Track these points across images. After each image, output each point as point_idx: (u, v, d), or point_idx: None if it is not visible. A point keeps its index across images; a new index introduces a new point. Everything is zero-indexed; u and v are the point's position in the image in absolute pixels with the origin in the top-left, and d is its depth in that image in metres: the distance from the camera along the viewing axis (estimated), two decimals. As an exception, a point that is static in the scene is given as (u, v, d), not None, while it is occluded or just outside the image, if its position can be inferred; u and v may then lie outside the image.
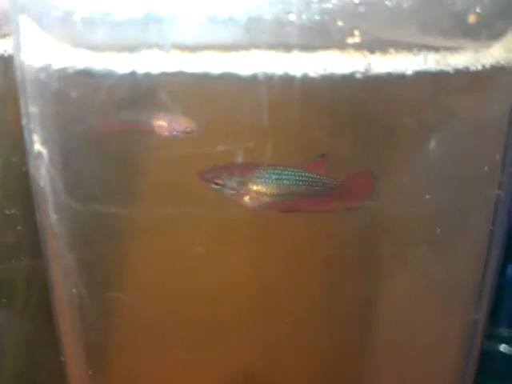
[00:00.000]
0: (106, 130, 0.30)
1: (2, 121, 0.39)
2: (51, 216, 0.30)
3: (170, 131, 0.29)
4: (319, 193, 0.30)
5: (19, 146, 0.39)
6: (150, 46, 0.28)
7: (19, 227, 0.40)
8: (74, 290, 0.31)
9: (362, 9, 0.28)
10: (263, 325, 0.34)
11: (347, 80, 0.29)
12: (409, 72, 0.29)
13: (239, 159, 0.29)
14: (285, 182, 0.30)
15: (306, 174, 0.30)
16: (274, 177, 0.30)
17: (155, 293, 0.32)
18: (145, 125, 0.29)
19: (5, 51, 0.37)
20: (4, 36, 0.37)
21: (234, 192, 0.30)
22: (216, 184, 0.30)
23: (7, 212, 0.39)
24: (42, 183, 0.30)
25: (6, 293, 0.41)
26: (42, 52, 0.28)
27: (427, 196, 0.31)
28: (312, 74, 0.29)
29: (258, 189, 0.30)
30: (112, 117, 0.29)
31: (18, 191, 0.40)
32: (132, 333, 0.32)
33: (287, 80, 0.28)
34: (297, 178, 0.30)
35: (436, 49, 0.29)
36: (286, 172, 0.30)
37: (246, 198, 0.30)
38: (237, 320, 0.33)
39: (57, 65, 0.28)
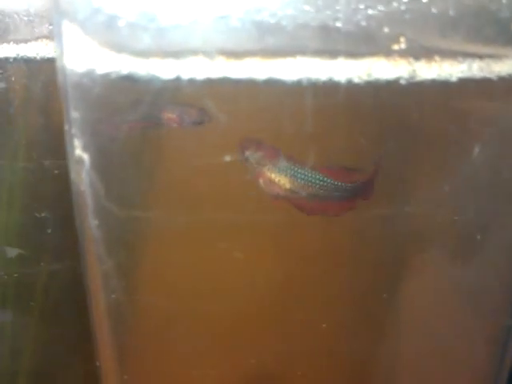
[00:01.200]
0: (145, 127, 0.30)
1: (34, 126, 0.39)
2: (91, 221, 0.30)
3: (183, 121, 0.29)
4: (334, 197, 0.30)
5: (51, 150, 0.39)
6: (195, 52, 0.28)
7: (49, 230, 0.39)
8: (113, 296, 0.31)
9: (407, 16, 0.28)
10: (290, 331, 0.34)
11: (392, 86, 0.29)
12: (453, 79, 0.29)
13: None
14: (299, 180, 0.30)
15: (321, 177, 0.30)
16: (289, 172, 0.30)
17: (192, 299, 0.32)
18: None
19: (37, 54, 0.37)
20: (36, 38, 0.37)
21: (252, 169, 0.30)
22: (243, 153, 0.30)
23: (38, 215, 0.39)
24: (82, 188, 0.30)
25: (36, 296, 0.41)
26: (85, 57, 0.28)
27: (464, 203, 0.31)
28: (356, 79, 0.29)
29: (272, 176, 0.30)
30: (152, 120, 0.29)
31: (49, 195, 0.39)
32: (169, 339, 0.32)
33: (332, 86, 0.28)
34: (311, 179, 0.30)
35: (480, 56, 0.29)
36: (302, 171, 0.30)
37: (261, 181, 0.30)
38: (271, 330, 0.33)
39: (100, 70, 0.28)
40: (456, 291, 0.35)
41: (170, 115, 0.29)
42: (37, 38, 0.37)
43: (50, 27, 0.36)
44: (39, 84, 0.38)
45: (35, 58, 0.37)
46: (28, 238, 0.40)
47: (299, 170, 0.30)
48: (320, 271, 0.32)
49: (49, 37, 0.37)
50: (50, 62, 0.37)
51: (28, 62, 0.37)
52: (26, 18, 0.37)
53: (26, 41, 0.37)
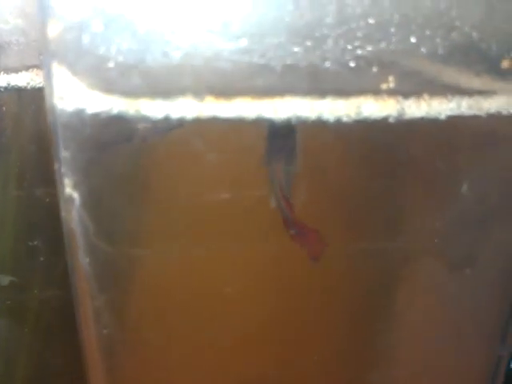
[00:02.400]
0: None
1: (25, 154, 0.39)
2: (82, 258, 0.30)
3: None
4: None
5: (43, 179, 0.39)
6: (183, 93, 0.28)
7: (42, 259, 0.40)
8: (105, 331, 0.31)
9: (396, 55, 0.28)
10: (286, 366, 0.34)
11: (380, 124, 0.29)
12: (442, 117, 0.29)
13: (273, 203, 0.29)
14: None
15: None
16: None
17: (187, 336, 0.32)
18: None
19: (28, 84, 0.37)
20: (27, 68, 0.37)
21: None
22: None
23: (30, 243, 0.39)
24: (72, 226, 0.30)
25: (29, 323, 0.41)
26: (74, 97, 0.28)
27: (454, 240, 0.31)
28: (345, 118, 0.29)
29: None
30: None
31: (41, 223, 0.40)
32: (162, 375, 0.32)
33: (321, 125, 0.28)
34: None
35: (469, 93, 0.29)
36: None
37: None
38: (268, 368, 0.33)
39: (90, 110, 0.28)
40: (446, 319, 0.35)
41: None
42: (28, 68, 0.37)
43: (41, 57, 0.36)
44: (30, 113, 0.38)
45: (26, 87, 0.37)
46: (20, 266, 0.41)
47: None
48: (318, 304, 0.33)
49: (39, 66, 0.37)
50: (40, 92, 0.37)
51: (19, 91, 0.37)
52: (16, 48, 0.37)
53: (16, 70, 0.37)
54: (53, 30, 0.28)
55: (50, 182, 0.34)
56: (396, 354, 0.36)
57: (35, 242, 0.39)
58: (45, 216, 0.39)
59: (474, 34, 0.29)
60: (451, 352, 0.35)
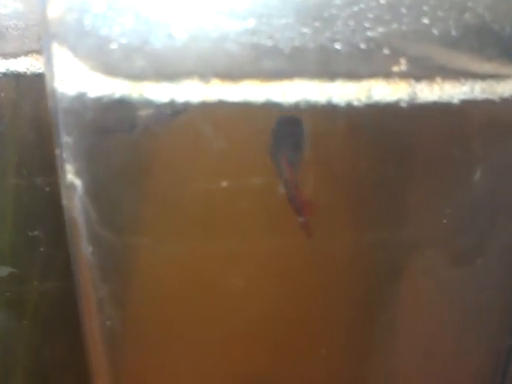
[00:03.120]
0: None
1: (24, 142, 0.38)
2: (85, 248, 0.29)
3: None
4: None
5: (43, 167, 0.38)
6: (189, 76, 0.27)
7: (42, 249, 0.39)
8: (108, 323, 0.30)
9: (408, 36, 0.27)
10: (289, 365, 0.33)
11: (391, 108, 0.28)
12: (455, 101, 0.28)
13: (281, 191, 0.29)
14: None
15: None
16: None
17: (191, 327, 0.31)
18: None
19: (27, 69, 0.36)
20: (27, 53, 0.36)
21: None
22: None
23: (30, 234, 0.38)
24: (75, 214, 0.29)
25: (28, 314, 0.40)
26: (76, 81, 0.27)
27: (466, 227, 0.31)
28: (356, 102, 0.28)
29: None
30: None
31: (41, 212, 0.39)
32: (165, 367, 0.32)
33: (330, 109, 0.28)
34: None
35: (482, 77, 0.28)
36: None
37: None
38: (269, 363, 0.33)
39: (92, 94, 0.27)
40: (455, 311, 0.34)
41: None
42: (27, 53, 0.36)
43: (41, 41, 0.35)
44: (30, 99, 0.37)
45: (25, 73, 0.36)
46: (20, 257, 0.40)
47: None
48: (319, 298, 0.32)
49: (40, 51, 0.36)
50: (40, 78, 0.36)
51: (18, 77, 0.36)
52: (15, 33, 0.36)
53: (15, 55, 0.36)
54: (53, 11, 0.27)
55: (50, 170, 0.33)
56: (407, 347, 0.35)
57: (35, 232, 0.39)
58: (45, 205, 0.38)
59: (488, 16, 0.28)
60: (463, 343, 0.35)
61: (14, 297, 0.40)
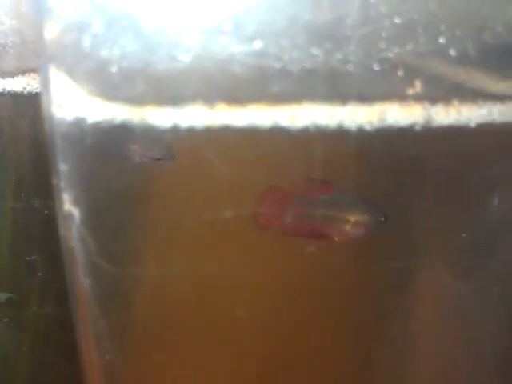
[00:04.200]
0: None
1: (22, 163, 0.37)
2: (83, 279, 0.28)
3: None
4: None
5: (41, 190, 0.37)
6: (193, 100, 0.26)
7: (40, 274, 0.37)
8: (107, 356, 0.29)
9: (423, 57, 0.26)
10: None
11: (405, 133, 0.26)
12: (472, 124, 0.27)
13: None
14: None
15: None
16: None
17: (192, 359, 0.29)
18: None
19: (24, 89, 0.35)
20: (24, 72, 0.35)
21: None
22: None
23: (28, 258, 0.37)
24: (72, 244, 0.28)
25: (26, 341, 0.39)
26: (74, 105, 0.26)
27: (485, 255, 0.29)
28: (368, 126, 0.26)
29: None
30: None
31: (39, 236, 0.37)
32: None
33: (341, 134, 0.26)
34: None
35: (501, 99, 0.27)
36: None
37: None
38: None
39: (91, 119, 0.26)
40: (463, 342, 0.33)
41: (133, 146, 0.27)
42: (24, 72, 0.35)
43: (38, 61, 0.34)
44: (27, 120, 0.35)
45: (22, 92, 0.35)
46: (18, 282, 0.38)
47: None
48: (323, 326, 0.30)
49: (37, 70, 0.34)
50: (37, 97, 0.35)
51: (15, 96, 0.35)
52: (12, 51, 0.35)
53: (12, 74, 0.35)
54: (50, 32, 0.26)
55: (49, 193, 0.32)
56: (416, 370, 0.33)
57: (33, 257, 0.37)
58: (43, 229, 0.36)
59: (507, 35, 0.27)
60: (472, 368, 0.33)
61: (13, 322, 0.38)
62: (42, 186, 0.36)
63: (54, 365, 0.39)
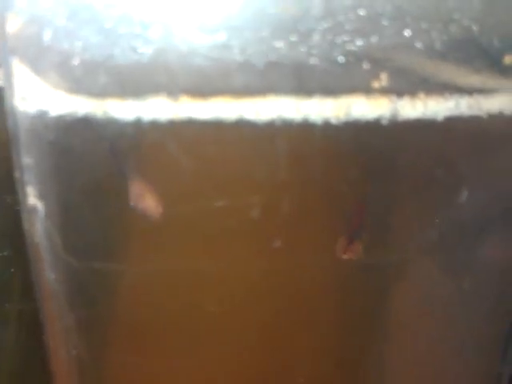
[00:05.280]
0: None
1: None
2: (48, 274, 0.28)
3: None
4: None
5: (11, 184, 0.36)
6: (156, 92, 0.25)
7: (12, 269, 0.37)
8: (74, 352, 0.29)
9: (389, 50, 0.26)
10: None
11: (372, 126, 0.26)
12: (439, 118, 0.27)
13: (255, 214, 0.27)
14: None
15: None
16: None
17: (161, 354, 0.29)
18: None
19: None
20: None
21: None
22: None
23: (0, 254, 0.37)
24: (37, 240, 0.27)
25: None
26: (36, 98, 0.26)
27: (451, 249, 0.29)
28: (334, 120, 0.26)
29: None
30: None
31: (10, 232, 0.37)
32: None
33: (307, 127, 0.26)
34: None
35: (469, 92, 0.27)
36: None
37: None
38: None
39: (54, 112, 0.25)
40: (444, 335, 0.33)
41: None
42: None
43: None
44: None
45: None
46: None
47: None
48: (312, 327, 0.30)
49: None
50: (1, 92, 0.34)
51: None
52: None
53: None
54: (12, 25, 0.26)
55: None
56: (398, 371, 0.33)
57: (4, 253, 0.37)
58: (15, 224, 0.36)
59: (474, 28, 0.27)
60: (452, 369, 0.33)
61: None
62: (13, 181, 0.35)
63: (27, 361, 0.39)
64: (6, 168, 0.37)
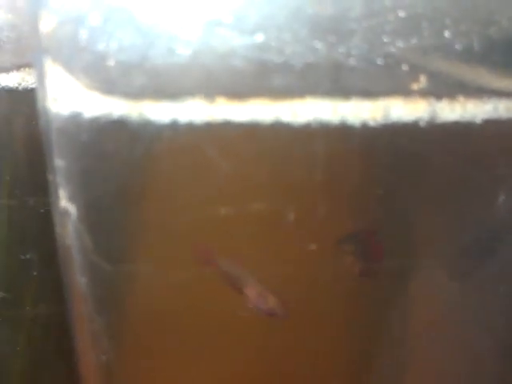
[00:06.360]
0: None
1: (17, 160, 0.36)
2: (79, 278, 0.27)
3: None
4: None
5: (36, 187, 0.36)
6: (192, 94, 0.25)
7: (35, 273, 0.37)
8: (104, 356, 0.28)
9: (428, 52, 0.26)
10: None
11: (410, 128, 0.26)
12: (477, 120, 0.26)
13: (291, 217, 0.27)
14: None
15: None
16: None
17: (189, 360, 0.29)
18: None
19: (19, 84, 0.34)
20: (19, 67, 0.34)
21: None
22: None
23: (22, 257, 0.36)
24: (68, 242, 0.27)
25: (21, 341, 0.38)
26: (70, 100, 0.25)
27: (491, 254, 0.29)
28: (371, 122, 0.26)
29: None
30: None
31: (34, 235, 0.37)
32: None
33: (344, 129, 0.26)
34: None
35: (508, 95, 0.27)
36: None
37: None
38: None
39: (88, 114, 0.25)
40: (462, 343, 0.32)
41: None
42: (19, 67, 0.34)
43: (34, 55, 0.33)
44: (22, 116, 0.35)
45: (17, 88, 0.34)
46: (12, 281, 0.38)
47: None
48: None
49: (32, 65, 0.34)
50: (33, 93, 0.34)
51: (10, 92, 0.34)
52: (6, 46, 0.34)
53: (7, 70, 0.34)
54: (46, 25, 0.25)
55: (44, 190, 0.31)
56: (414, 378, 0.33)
57: (28, 256, 0.37)
58: (38, 227, 0.36)
59: (513, 29, 0.26)
60: (472, 377, 0.33)
61: (6, 322, 0.38)
62: (37, 184, 0.35)
63: (50, 365, 0.39)
64: (28, 171, 0.37)
